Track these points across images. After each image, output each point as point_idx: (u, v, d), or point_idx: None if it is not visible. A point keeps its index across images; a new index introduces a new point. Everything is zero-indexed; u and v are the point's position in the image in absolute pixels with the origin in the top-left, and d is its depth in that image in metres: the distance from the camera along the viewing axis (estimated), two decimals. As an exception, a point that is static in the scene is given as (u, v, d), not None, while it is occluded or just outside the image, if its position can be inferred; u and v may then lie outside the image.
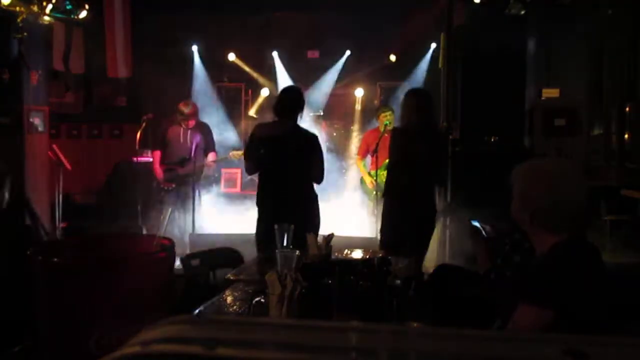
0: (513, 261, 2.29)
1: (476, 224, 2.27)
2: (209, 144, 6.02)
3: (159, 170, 5.92)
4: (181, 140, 5.86)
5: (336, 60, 8.46)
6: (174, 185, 5.87)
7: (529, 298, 1.72)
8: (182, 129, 5.86)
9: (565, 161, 1.93)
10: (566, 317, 1.66)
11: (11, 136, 5.65)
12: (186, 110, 5.80)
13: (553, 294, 1.69)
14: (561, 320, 1.66)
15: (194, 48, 8.46)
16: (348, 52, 8.36)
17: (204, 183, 6.37)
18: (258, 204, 3.97)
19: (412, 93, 4.22)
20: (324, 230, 3.39)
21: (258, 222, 3.93)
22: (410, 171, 4.03)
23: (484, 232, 2.23)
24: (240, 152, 5.83)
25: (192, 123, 5.87)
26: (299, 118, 3.92)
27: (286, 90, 4.12)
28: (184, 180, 5.86)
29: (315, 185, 3.98)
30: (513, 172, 1.90)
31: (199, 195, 6.03)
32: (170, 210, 5.82)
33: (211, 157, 6.04)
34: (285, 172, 3.82)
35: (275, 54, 8.44)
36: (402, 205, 4.04)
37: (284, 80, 8.25)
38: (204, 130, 6.02)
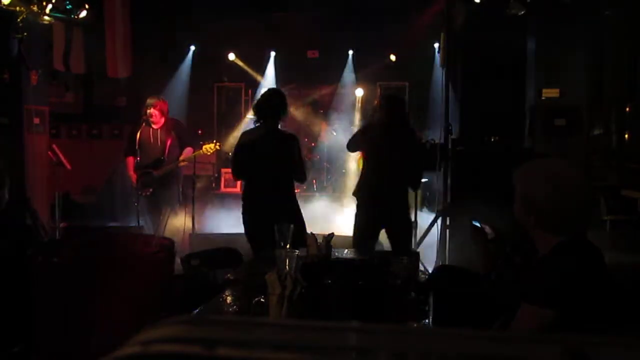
0: (513, 262, 2.29)
1: (477, 224, 2.27)
2: (183, 141, 5.72)
3: (134, 177, 5.65)
4: (152, 140, 5.59)
5: (336, 60, 8.47)
6: (151, 190, 5.61)
7: (530, 298, 1.72)
8: (151, 129, 5.59)
9: (567, 162, 1.92)
10: (566, 317, 1.66)
11: (11, 136, 5.66)
12: (151, 101, 5.57)
13: (553, 294, 1.69)
14: (562, 320, 1.66)
15: (192, 48, 8.46)
16: (351, 52, 8.36)
17: (197, 184, 6.29)
18: (242, 207, 4.10)
19: (382, 97, 4.40)
20: (324, 230, 3.38)
21: (243, 224, 4.05)
22: (375, 166, 4.16)
23: (485, 233, 2.23)
24: (212, 145, 5.74)
25: (157, 118, 5.58)
26: (280, 120, 4.01)
27: (268, 93, 4.11)
28: (162, 183, 5.62)
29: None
30: (515, 173, 1.89)
31: (179, 197, 5.88)
32: (169, 210, 5.86)
33: (187, 152, 5.71)
34: (265, 175, 3.93)
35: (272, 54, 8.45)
36: (368, 202, 4.21)
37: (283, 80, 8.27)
38: (177, 128, 5.76)
